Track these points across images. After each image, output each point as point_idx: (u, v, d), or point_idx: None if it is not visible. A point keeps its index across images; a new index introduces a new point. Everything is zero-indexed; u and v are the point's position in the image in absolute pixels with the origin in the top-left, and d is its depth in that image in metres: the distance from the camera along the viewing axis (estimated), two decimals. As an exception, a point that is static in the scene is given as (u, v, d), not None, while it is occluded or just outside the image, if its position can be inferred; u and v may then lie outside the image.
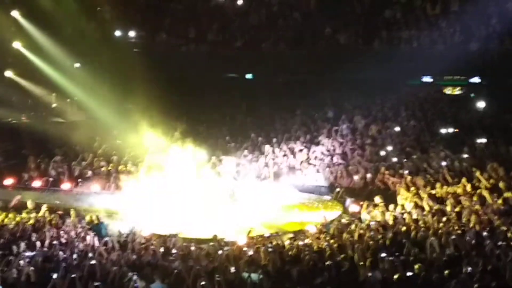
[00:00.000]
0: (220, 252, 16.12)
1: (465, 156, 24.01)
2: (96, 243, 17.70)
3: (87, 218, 20.13)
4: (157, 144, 25.49)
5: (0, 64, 31.93)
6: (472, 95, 30.35)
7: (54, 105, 32.72)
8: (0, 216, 19.87)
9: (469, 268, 13.58)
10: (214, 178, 24.44)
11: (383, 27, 31.30)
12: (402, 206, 20.00)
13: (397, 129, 27.76)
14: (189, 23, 34.10)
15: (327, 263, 14.69)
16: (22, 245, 16.63)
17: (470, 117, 28.53)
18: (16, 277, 14.39)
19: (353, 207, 21.35)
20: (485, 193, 19.33)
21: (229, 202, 22.00)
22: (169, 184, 23.18)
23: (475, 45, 29.11)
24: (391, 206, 19.85)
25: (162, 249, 16.71)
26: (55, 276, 14.11)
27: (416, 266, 13.93)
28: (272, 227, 19.94)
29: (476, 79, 29.79)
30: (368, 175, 23.86)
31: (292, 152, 26.62)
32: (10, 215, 19.77)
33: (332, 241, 16.81)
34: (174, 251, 16.74)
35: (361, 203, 20.82)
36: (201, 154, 26.44)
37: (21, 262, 15.19)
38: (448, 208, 18.89)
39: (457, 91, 30.90)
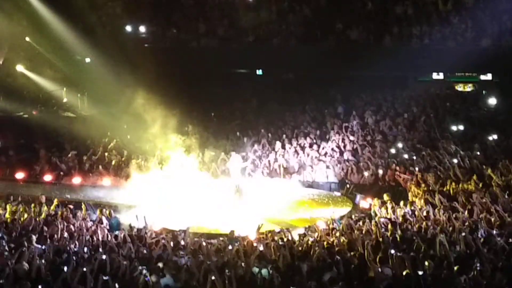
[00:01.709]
0: (230, 247, 16.15)
1: (477, 153, 23.91)
2: (107, 237, 17.73)
3: (98, 212, 20.21)
4: (167, 139, 25.54)
5: (12, 58, 32.07)
6: (484, 92, 30.25)
7: (65, 99, 32.85)
8: (12, 209, 19.95)
9: (479, 266, 13.53)
10: (223, 174, 24.52)
11: (394, 23, 31.26)
12: (413, 202, 19.95)
13: (408, 125, 27.68)
14: (199, 18, 34.16)
15: (336, 259, 14.68)
16: (33, 238, 16.67)
17: (482, 114, 28.44)
18: (27, 270, 14.45)
19: (363, 203, 21.35)
20: (497, 190, 19.25)
21: (236, 198, 22.01)
22: (178, 179, 23.23)
23: (487, 42, 29.03)
24: (401, 203, 19.81)
25: (172, 244, 16.73)
26: (66, 269, 14.15)
27: (426, 263, 13.90)
28: (282, 223, 19.94)
29: (487, 76, 29.70)
30: (379, 172, 23.83)
31: (302, 148, 26.61)
32: (21, 208, 19.86)
33: (342, 237, 16.80)
34: (184, 246, 16.77)
35: (371, 199, 20.78)
36: (211, 149, 26.57)
37: (32, 255, 15.25)
38: (459, 205, 18.83)
39: (468, 87, 30.81)
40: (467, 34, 29.73)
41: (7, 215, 19.38)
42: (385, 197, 20.43)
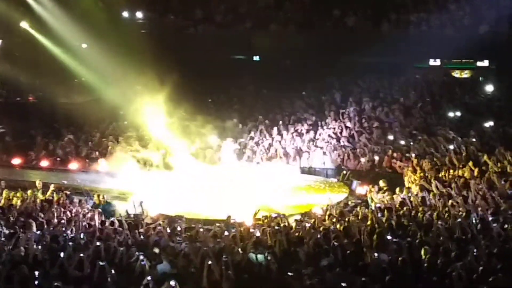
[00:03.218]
0: (226, 233, 16.18)
1: (473, 139, 23.94)
2: (104, 223, 17.74)
3: (95, 198, 20.23)
4: (164, 125, 25.53)
5: (8, 44, 31.96)
6: (481, 78, 30.26)
7: (61, 85, 32.76)
8: (8, 195, 19.95)
9: (475, 251, 13.59)
10: (218, 161, 24.53)
11: (392, 9, 31.17)
12: (409, 189, 20.00)
13: (405, 112, 27.69)
14: (197, 4, 34.04)
15: (333, 245, 14.73)
16: (30, 224, 16.69)
17: (478, 101, 28.46)
18: (23, 255, 14.48)
19: (359, 190, 21.38)
20: (494, 177, 19.28)
21: (230, 185, 22.01)
22: (175, 165, 23.25)
23: (484, 28, 29.04)
24: (397, 189, 19.84)
25: (169, 230, 16.76)
26: (62, 255, 14.18)
27: (422, 249, 13.95)
28: (278, 209, 19.96)
29: (484, 63, 29.71)
30: (375, 158, 23.86)
31: (299, 134, 26.61)
32: (18, 194, 19.86)
33: (338, 223, 16.84)
34: (181, 231, 16.80)
35: (368, 185, 20.82)
36: (207, 135, 26.57)
37: (29, 240, 15.28)
38: (455, 192, 18.87)
39: (465, 74, 30.83)
40: (464, 21, 29.72)
41: (3, 201, 19.36)
42: (381, 183, 20.47)
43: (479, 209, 17.01)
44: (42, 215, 17.82)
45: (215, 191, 21.63)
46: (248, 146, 25.86)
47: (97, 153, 25.58)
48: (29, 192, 20.11)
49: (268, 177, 22.90)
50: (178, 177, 22.58)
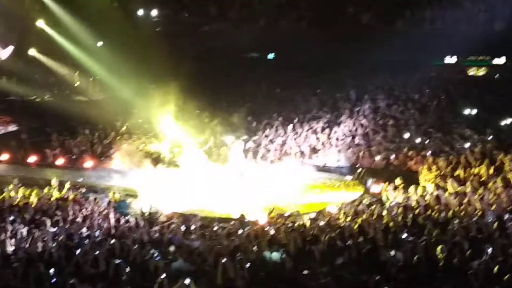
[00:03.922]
0: (241, 231, 16.19)
1: (489, 138, 23.79)
2: (119, 221, 17.80)
3: (110, 195, 20.29)
4: (178, 123, 25.58)
5: (24, 43, 32.13)
6: (497, 76, 30.07)
7: (77, 83, 32.91)
8: (24, 193, 20.05)
9: (491, 250, 13.51)
10: (232, 159, 24.49)
11: (407, 6, 31.03)
12: (424, 187, 19.91)
13: (420, 110, 27.57)
14: (211, 2, 34.06)
15: (348, 243, 14.70)
16: (47, 222, 16.77)
17: (494, 98, 28.27)
18: (40, 253, 14.57)
19: (374, 188, 21.29)
20: (510, 176, 19.16)
21: (241, 184, 21.97)
22: (188, 163, 23.27)
23: (500, 25, 28.80)
24: (412, 187, 19.76)
25: (183, 228, 16.79)
26: (77, 252, 14.23)
27: (438, 248, 13.89)
28: (293, 207, 19.95)
29: (501, 60, 29.52)
30: (390, 156, 23.76)
31: (314, 132, 26.56)
32: (34, 192, 19.95)
33: (353, 221, 16.80)
34: (195, 229, 16.82)
35: (383, 184, 20.74)
36: (221, 133, 26.59)
37: (45, 238, 15.36)
38: (470, 190, 18.76)
39: (481, 71, 30.65)
40: (479, 18, 29.52)
41: (19, 199, 19.46)
42: (397, 181, 20.39)
43: (495, 207, 16.90)
44: (58, 213, 17.89)
45: (229, 189, 21.61)
46: (262, 144, 25.82)
47: (111, 150, 25.65)
48: (45, 190, 20.23)
49: (283, 175, 22.87)
50: (192, 175, 22.57)
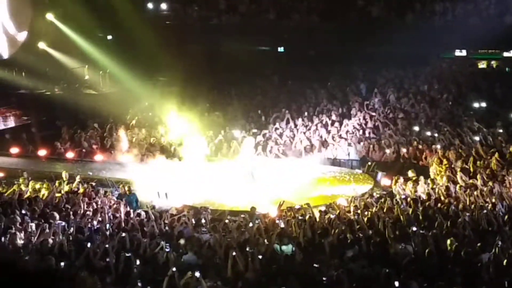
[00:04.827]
0: (251, 224, 16.19)
1: (499, 130, 23.71)
2: (129, 214, 17.83)
3: (120, 189, 20.33)
4: (188, 116, 25.59)
5: (34, 36, 32.21)
6: (507, 68, 29.95)
7: (86, 77, 32.97)
8: (35, 186, 20.12)
9: (501, 243, 13.48)
10: (242, 152, 24.45)
11: (417, -1, 30.96)
12: (434, 180, 19.87)
13: (430, 103, 27.49)
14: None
15: (358, 236, 14.69)
16: (56, 215, 16.81)
17: (504, 91, 28.15)
18: (51, 246, 14.61)
19: (384, 181, 21.27)
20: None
21: (251, 179, 21.94)
22: (197, 156, 23.27)
23: (510, 18, 28.65)
24: (422, 180, 19.72)
25: (193, 221, 16.81)
26: (88, 246, 14.26)
27: (448, 241, 13.87)
28: (303, 200, 19.93)
29: (511, 53, 29.39)
30: (401, 149, 23.70)
31: (324, 125, 26.51)
32: (44, 185, 20.01)
33: (363, 214, 16.79)
34: (205, 222, 16.84)
35: (393, 177, 20.70)
36: (231, 126, 26.58)
37: (55, 231, 15.41)
38: (481, 183, 18.72)
39: (491, 64, 30.53)
40: (490, 10, 29.38)
41: (29, 192, 19.53)
42: (410, 173, 20.36)
43: (505, 200, 16.86)
44: (68, 207, 17.94)
45: (239, 182, 21.61)
46: (272, 138, 25.80)
47: (121, 144, 25.68)
48: (56, 183, 20.29)
49: (293, 169, 22.86)
50: (201, 168, 22.58)
